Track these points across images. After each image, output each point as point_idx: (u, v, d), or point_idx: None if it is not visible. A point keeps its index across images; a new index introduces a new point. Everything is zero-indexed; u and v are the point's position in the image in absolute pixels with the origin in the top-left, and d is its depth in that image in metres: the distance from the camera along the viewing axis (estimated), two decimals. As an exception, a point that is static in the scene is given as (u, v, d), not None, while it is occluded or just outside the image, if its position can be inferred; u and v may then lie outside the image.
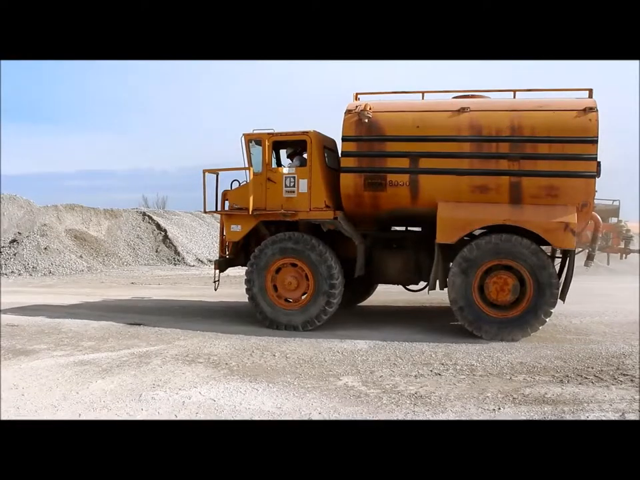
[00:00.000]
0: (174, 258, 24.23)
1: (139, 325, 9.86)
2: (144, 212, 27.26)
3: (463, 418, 5.41)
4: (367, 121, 9.20)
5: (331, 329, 9.46)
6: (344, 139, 9.43)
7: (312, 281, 9.51)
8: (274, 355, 7.79)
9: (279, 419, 5.39)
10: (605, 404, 5.80)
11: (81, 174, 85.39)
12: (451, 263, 9.11)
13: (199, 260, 24.57)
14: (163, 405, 5.70)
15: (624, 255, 10.50)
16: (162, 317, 10.74)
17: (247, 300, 9.98)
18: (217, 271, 10.61)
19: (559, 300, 9.04)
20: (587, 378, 6.74)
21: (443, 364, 7.34)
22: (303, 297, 9.68)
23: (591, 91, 9.06)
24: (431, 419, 5.40)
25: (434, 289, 9.43)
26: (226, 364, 7.31)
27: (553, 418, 5.39)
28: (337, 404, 5.78)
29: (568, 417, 5.42)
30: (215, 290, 10.92)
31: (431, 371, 7.03)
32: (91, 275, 19.95)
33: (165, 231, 25.42)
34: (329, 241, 9.74)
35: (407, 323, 10.18)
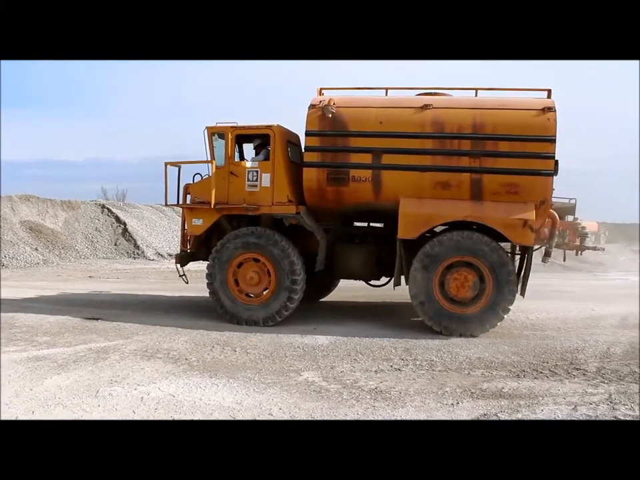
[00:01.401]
0: (133, 251, 23.83)
1: (97, 319, 9.67)
2: (103, 204, 26.68)
3: (461, 418, 5.46)
4: (330, 115, 9.18)
5: (292, 324, 9.45)
6: (307, 134, 9.40)
7: (274, 276, 9.47)
8: (234, 351, 7.74)
9: (280, 419, 5.36)
10: (559, 397, 5.96)
11: (39, 163, 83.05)
12: (413, 259, 9.16)
13: (159, 254, 24.22)
14: (121, 401, 5.60)
15: (579, 252, 10.79)
16: (120, 311, 10.55)
17: (207, 294, 9.89)
18: (179, 265, 10.49)
19: (519, 295, 9.23)
20: (542, 372, 6.91)
21: (402, 359, 7.41)
22: (265, 292, 9.64)
23: (549, 91, 9.25)
24: (430, 419, 5.43)
25: (399, 284, 9.49)
26: (186, 359, 7.24)
27: (509, 412, 5.52)
28: (298, 399, 5.78)
29: (524, 411, 5.54)
30: (187, 283, 10.75)
31: (391, 366, 7.09)
32: (46, 268, 19.45)
33: (125, 223, 24.96)
34: (291, 235, 9.71)
35: (367, 318, 10.25)
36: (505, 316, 8.97)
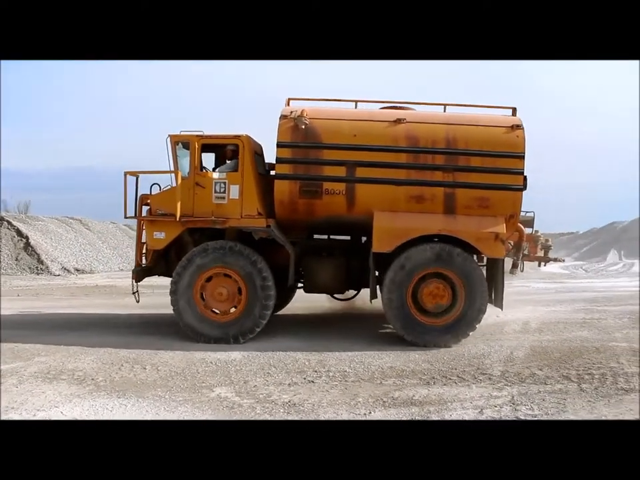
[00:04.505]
0: (36, 267, 22.59)
1: (-7, 340, 9.03)
2: (2, 217, 25.18)
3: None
4: (303, 127, 9.08)
5: (205, 339, 9.24)
6: (279, 145, 9.21)
7: (244, 301, 9.19)
8: (144, 368, 7.48)
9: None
10: (466, 402, 6.19)
11: None
12: (392, 265, 9.02)
13: (65, 269, 23.13)
14: (18, 428, 5.26)
15: (542, 263, 11.24)
16: (20, 331, 9.90)
17: (118, 310, 9.50)
18: (134, 281, 9.88)
19: (496, 308, 9.52)
20: (450, 379, 7.14)
21: (316, 371, 7.43)
22: (232, 311, 9.32)
23: (514, 109, 9.58)
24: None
25: (375, 297, 9.40)
26: (92, 379, 6.92)
27: (420, 419, 5.66)
28: (210, 416, 5.67)
29: (434, 417, 5.70)
30: (137, 302, 10.16)
31: (305, 378, 7.10)
32: (-62, 287, 18.05)
33: (27, 237, 23.65)
34: (259, 249, 9.41)
35: (280, 331, 10.15)
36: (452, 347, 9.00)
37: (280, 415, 5.69)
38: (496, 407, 6.02)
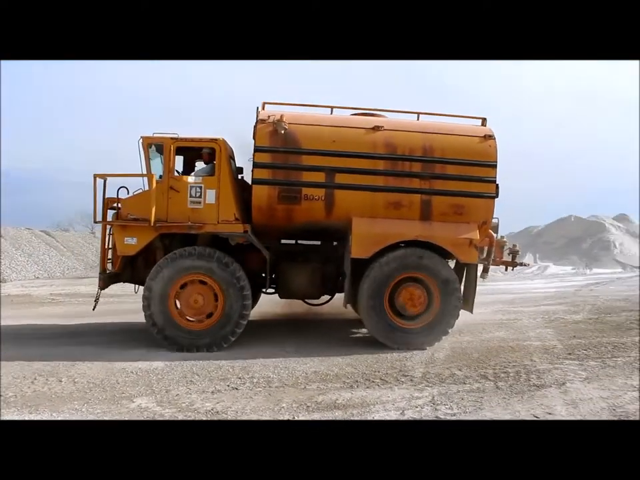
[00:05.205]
0: (-59, 276, 21.23)
1: None
2: None
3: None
4: (282, 132, 8.95)
5: (125, 347, 8.99)
6: (257, 150, 9.06)
7: (212, 320, 8.98)
8: (60, 381, 7.15)
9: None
10: (389, 404, 6.30)
11: None
12: (371, 266, 9.08)
13: (-25, 278, 21.85)
14: None
15: (512, 268, 11.62)
16: None
17: (33, 320, 9.02)
18: (99, 289, 9.44)
19: (467, 312, 9.76)
20: (373, 382, 7.24)
21: (240, 378, 7.35)
22: (193, 321, 9.05)
23: (484, 119, 9.82)
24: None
25: (350, 302, 9.42)
26: (0, 395, 6.52)
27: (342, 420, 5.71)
28: (130, 428, 5.50)
29: (356, 419, 5.77)
30: (93, 309, 9.71)
31: (228, 385, 7.01)
32: None
33: None
34: (232, 253, 9.20)
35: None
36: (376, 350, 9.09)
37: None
38: (417, 407, 6.16)
